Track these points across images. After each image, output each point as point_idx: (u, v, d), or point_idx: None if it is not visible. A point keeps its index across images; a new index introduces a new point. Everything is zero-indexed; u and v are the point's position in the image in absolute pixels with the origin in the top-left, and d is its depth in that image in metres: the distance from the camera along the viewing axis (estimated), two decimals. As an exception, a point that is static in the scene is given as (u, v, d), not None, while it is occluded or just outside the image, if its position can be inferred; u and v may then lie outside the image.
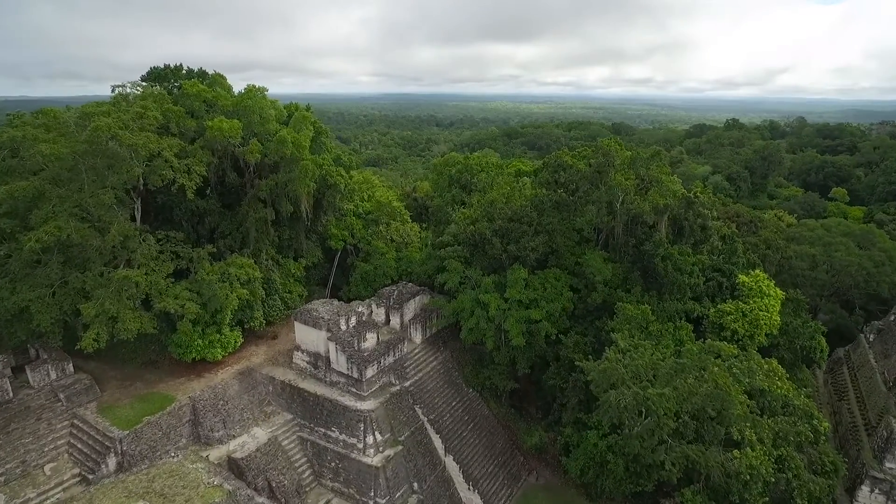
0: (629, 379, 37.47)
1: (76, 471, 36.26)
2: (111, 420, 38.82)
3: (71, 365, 42.17)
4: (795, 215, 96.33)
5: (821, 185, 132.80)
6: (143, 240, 41.54)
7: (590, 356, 43.51)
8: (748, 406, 37.85)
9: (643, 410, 36.29)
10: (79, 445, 37.62)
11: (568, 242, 50.85)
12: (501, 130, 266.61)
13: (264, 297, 48.62)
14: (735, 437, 36.02)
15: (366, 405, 43.13)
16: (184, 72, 52.05)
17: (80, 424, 38.58)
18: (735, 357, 41.78)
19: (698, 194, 51.97)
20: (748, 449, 35.19)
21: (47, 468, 35.99)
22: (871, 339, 53.66)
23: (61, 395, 39.82)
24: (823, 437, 38.90)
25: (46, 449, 36.91)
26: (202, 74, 52.09)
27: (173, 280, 41.95)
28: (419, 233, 67.57)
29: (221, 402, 42.79)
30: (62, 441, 37.83)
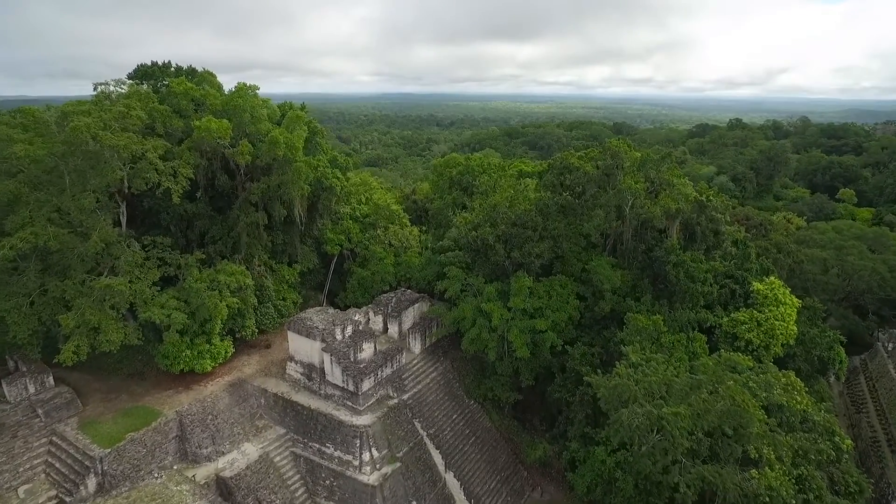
0: (642, 396, 35.28)
1: (53, 493, 33.98)
2: (92, 437, 36.62)
3: (51, 377, 39.98)
4: (804, 217, 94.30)
5: (827, 185, 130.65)
6: (128, 246, 39.58)
7: (598, 368, 41.44)
8: (766, 422, 35.72)
9: (656, 429, 34.17)
10: (57, 465, 35.38)
11: (574, 248, 48.75)
12: (502, 130, 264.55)
13: (256, 304, 46.49)
14: (752, 456, 33.92)
15: (362, 420, 40.99)
16: (172, 69, 49.84)
17: (59, 442, 36.36)
18: (751, 370, 39.64)
19: (711, 197, 49.77)
20: (767, 468, 33.12)
21: (21, 490, 33.72)
22: (889, 349, 51.47)
23: (40, 411, 37.61)
24: (846, 455, 36.78)
25: (21, 469, 34.63)
26: (191, 72, 49.90)
27: (160, 288, 40.17)
28: (418, 237, 65.33)
29: (210, 417, 40.67)
30: (39, 461, 35.55)
